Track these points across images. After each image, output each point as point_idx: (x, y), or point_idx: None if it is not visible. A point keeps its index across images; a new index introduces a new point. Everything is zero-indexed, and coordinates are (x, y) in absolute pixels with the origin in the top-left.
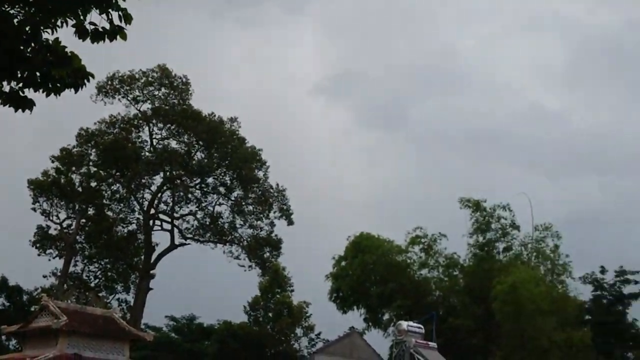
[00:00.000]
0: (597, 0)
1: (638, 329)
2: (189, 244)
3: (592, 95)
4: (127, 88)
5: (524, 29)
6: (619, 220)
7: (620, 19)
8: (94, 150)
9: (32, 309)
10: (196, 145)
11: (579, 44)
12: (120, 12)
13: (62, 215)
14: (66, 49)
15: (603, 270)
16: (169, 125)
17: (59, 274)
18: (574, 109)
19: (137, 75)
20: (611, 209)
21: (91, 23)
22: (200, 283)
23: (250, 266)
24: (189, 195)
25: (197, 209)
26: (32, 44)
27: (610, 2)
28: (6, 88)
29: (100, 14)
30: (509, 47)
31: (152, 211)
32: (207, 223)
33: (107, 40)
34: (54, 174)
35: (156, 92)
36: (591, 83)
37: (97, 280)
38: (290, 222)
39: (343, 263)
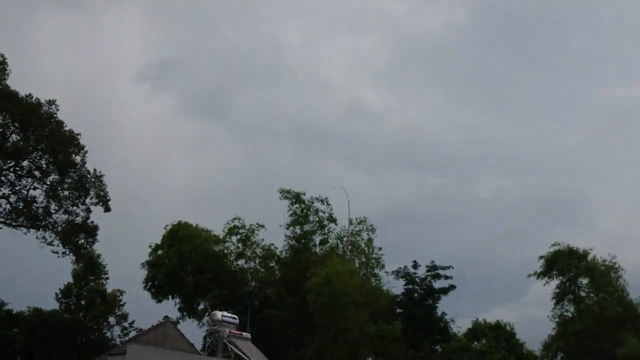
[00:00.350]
0: (419, 1)
1: (446, 323)
2: (0, 228)
3: (411, 94)
4: None
5: (348, 26)
6: (432, 217)
7: (441, 20)
8: None
9: None
10: (11, 127)
11: (400, 43)
12: None
13: None
14: None
15: (415, 265)
16: None
17: None
18: (393, 107)
19: None
20: (425, 206)
21: None
22: (10, 269)
23: (64, 252)
24: (2, 178)
25: (10, 192)
26: None
27: (432, 3)
28: None
29: None
30: (333, 43)
31: None
32: (21, 207)
33: None
34: None
35: None
36: (411, 82)
37: None
38: (107, 209)
39: (160, 252)
